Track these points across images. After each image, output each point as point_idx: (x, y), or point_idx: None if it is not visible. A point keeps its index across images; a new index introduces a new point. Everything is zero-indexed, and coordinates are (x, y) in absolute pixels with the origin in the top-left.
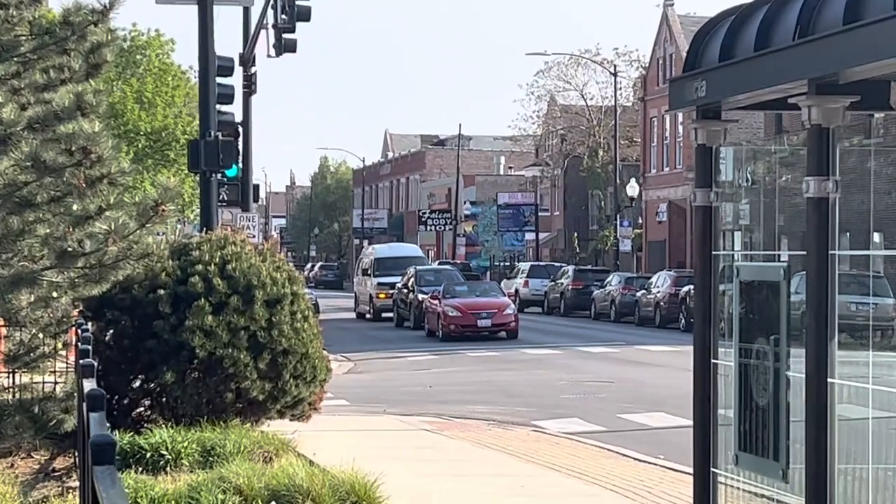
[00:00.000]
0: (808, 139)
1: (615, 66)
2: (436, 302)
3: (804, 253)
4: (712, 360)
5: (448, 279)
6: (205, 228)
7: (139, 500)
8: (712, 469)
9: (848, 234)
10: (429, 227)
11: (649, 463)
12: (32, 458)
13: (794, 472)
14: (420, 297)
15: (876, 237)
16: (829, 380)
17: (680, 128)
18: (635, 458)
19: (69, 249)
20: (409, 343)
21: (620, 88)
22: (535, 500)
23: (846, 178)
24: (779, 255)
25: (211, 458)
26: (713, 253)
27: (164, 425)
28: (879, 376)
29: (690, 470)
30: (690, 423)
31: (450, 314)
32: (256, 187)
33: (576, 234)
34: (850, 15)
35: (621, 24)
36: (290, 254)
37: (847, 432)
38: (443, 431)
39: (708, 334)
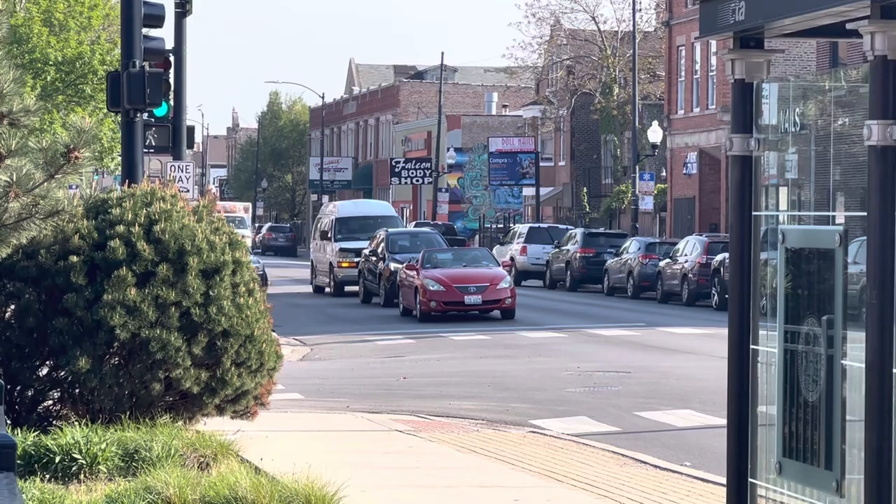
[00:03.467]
0: (871, 74)
1: None
2: (413, 273)
3: (865, 214)
4: (751, 346)
5: (427, 245)
6: (127, 181)
7: None
8: (750, 480)
9: None
10: (403, 180)
11: (673, 472)
12: None
13: (850, 483)
14: (392, 266)
15: None
16: (894, 370)
17: (713, 59)
18: (656, 466)
19: None
20: (378, 324)
21: (640, 10)
22: None
23: None
24: (833, 217)
25: (134, 464)
26: (753, 214)
27: (77, 423)
28: None
29: (723, 480)
30: (724, 422)
31: (430, 288)
32: (191, 130)
33: (585, 190)
34: None
35: None
36: None
37: None
38: (419, 433)
39: (746, 314)
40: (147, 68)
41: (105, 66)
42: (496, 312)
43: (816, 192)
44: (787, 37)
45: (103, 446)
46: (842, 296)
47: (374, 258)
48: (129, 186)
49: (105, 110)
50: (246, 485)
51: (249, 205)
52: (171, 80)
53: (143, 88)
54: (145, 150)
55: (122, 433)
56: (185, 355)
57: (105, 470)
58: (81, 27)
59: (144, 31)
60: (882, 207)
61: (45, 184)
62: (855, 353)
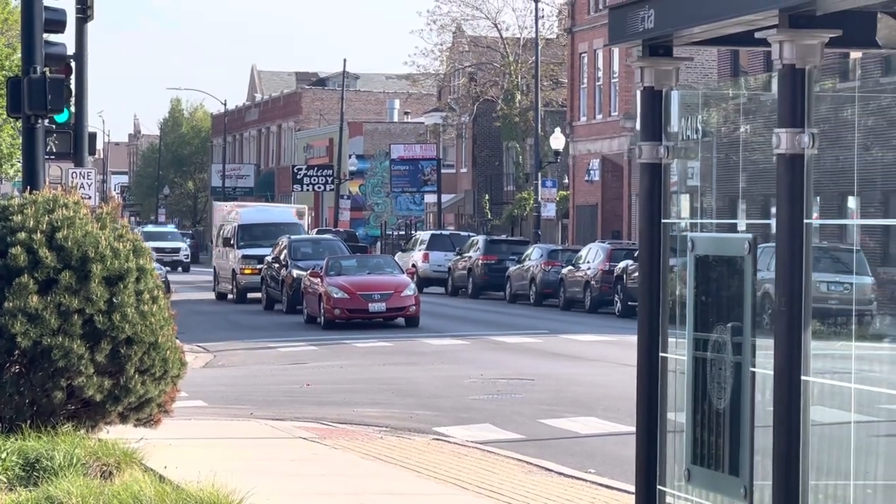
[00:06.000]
0: (780, 82)
1: None
2: (317, 280)
3: (768, 222)
4: (660, 354)
5: (331, 252)
6: (28, 187)
7: None
8: (659, 487)
9: (819, 198)
10: (305, 187)
11: (578, 479)
12: None
13: (757, 489)
14: (296, 273)
15: (851, 202)
16: (803, 377)
17: (616, 66)
18: (561, 473)
19: None
20: (282, 331)
21: (543, 17)
22: None
23: (817, 131)
24: (740, 224)
25: (36, 473)
26: (663, 221)
27: None
28: (857, 372)
29: (630, 487)
30: (628, 429)
31: (334, 296)
32: (93, 136)
33: (487, 197)
34: None
35: None
36: (134, 219)
37: (824, 441)
38: (324, 440)
39: (656, 322)
40: (48, 74)
41: (4, 72)
42: (400, 320)
43: (719, 200)
44: (696, 45)
45: (3, 455)
46: (751, 303)
47: (276, 265)
48: (30, 193)
49: (4, 116)
50: (150, 494)
51: (305, 208)
52: (73, 86)
53: (45, 94)
54: (47, 157)
55: (23, 442)
56: (87, 363)
57: (5, 480)
58: None
59: (46, 36)
60: (791, 216)
61: None
62: (763, 361)
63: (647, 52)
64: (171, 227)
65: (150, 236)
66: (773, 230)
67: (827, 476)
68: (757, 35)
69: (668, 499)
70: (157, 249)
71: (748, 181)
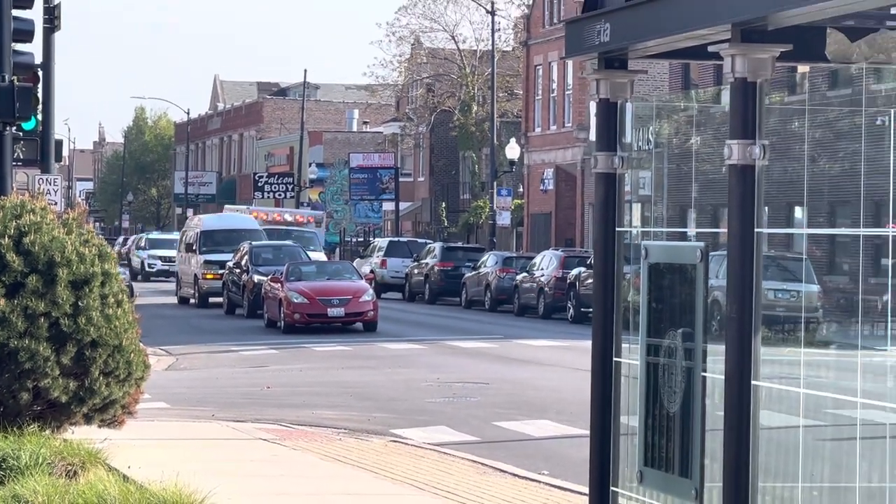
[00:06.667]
0: (732, 95)
1: (493, 3)
2: (277, 286)
3: (719, 230)
4: (614, 359)
5: (291, 258)
6: None
7: None
8: (612, 488)
9: (767, 208)
10: (266, 194)
11: (532, 480)
12: None
13: (708, 491)
14: (256, 278)
15: (798, 212)
16: (754, 382)
17: (570, 78)
18: (515, 475)
19: None
20: (242, 335)
21: (499, 30)
22: None
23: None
24: (685, 233)
25: (2, 472)
26: (617, 229)
27: None
28: (804, 377)
29: (582, 489)
30: (580, 432)
31: (294, 301)
32: (59, 144)
33: (444, 205)
34: None
35: None
36: (99, 224)
37: (773, 444)
38: (283, 441)
39: (609, 327)
40: (16, 82)
41: None
42: (359, 324)
43: (670, 209)
44: (651, 58)
45: None
46: (702, 310)
47: (238, 270)
48: None
49: None
50: (114, 493)
51: (323, 214)
52: (40, 95)
53: (13, 102)
54: (14, 164)
55: None
56: (53, 365)
57: None
58: None
59: (14, 45)
60: (742, 225)
61: None
62: (714, 366)
63: (603, 64)
64: (175, 235)
65: (153, 243)
66: (724, 239)
67: (775, 478)
68: (710, 49)
69: (621, 500)
70: (163, 258)
71: (699, 191)
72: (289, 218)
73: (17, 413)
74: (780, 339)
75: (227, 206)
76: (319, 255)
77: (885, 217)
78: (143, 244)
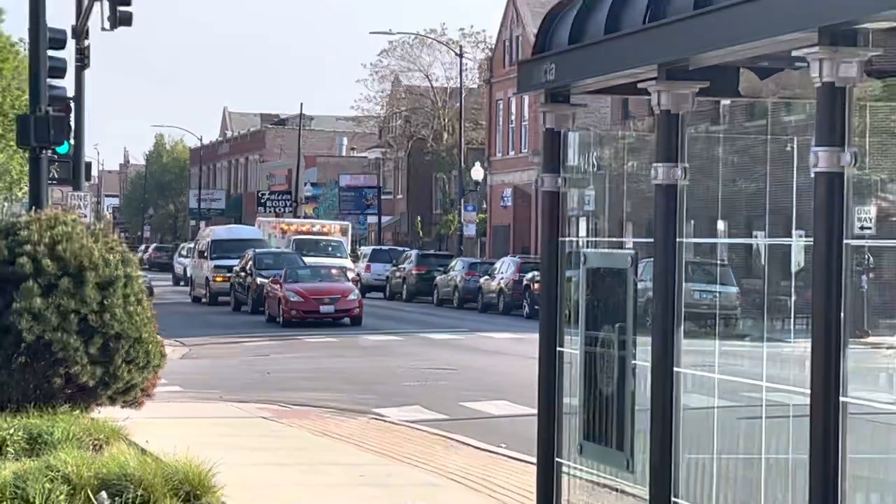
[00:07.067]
0: (657, 125)
1: (461, 48)
2: (277, 286)
3: (649, 240)
4: (558, 348)
5: (289, 263)
6: (34, 207)
7: None
8: (556, 459)
9: (693, 221)
10: (268, 209)
11: (491, 452)
12: None
13: (638, 461)
14: (259, 280)
15: (720, 225)
16: (676, 369)
17: (526, 111)
18: (476, 447)
19: None
20: (247, 328)
21: (466, 70)
22: (374, 489)
23: (692, 166)
24: (622, 242)
25: (38, 446)
26: (560, 239)
27: None
28: (723, 365)
29: (533, 459)
30: (533, 411)
31: (291, 299)
32: (89, 165)
33: (419, 218)
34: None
35: (468, 4)
36: (123, 234)
37: (691, 422)
38: (281, 419)
39: (554, 322)
40: (51, 112)
41: (15, 111)
42: (346, 320)
43: (610, 222)
44: (590, 94)
45: (11, 431)
46: (632, 307)
47: (243, 273)
48: (35, 212)
49: (15, 147)
50: (134, 464)
51: (349, 225)
52: (72, 123)
53: (48, 130)
54: (50, 182)
55: (28, 420)
56: (82, 354)
57: (12, 451)
58: None
59: (49, 80)
60: (666, 235)
61: None
62: (642, 355)
63: (549, 99)
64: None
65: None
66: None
67: (695, 451)
68: (639, 85)
69: (564, 468)
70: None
71: (633, 207)
72: (316, 228)
73: (51, 395)
74: (704, 333)
75: (259, 219)
76: (346, 262)
77: (791, 228)
78: (184, 252)
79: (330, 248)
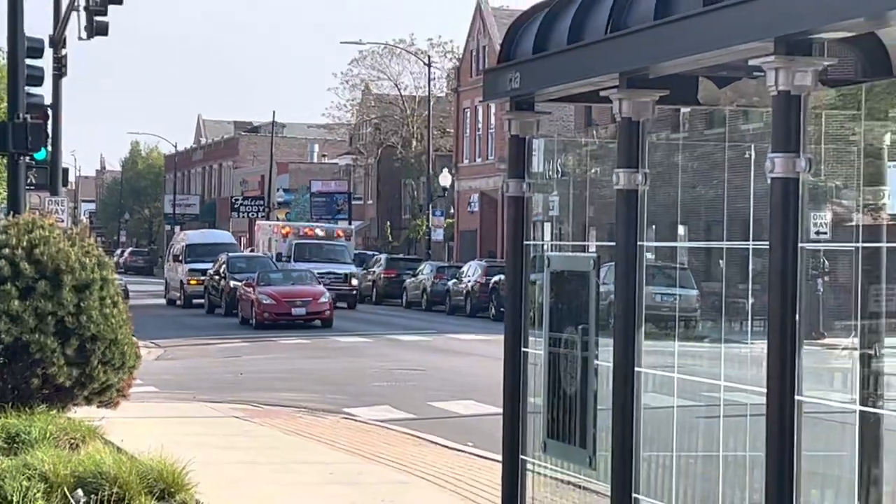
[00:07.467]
0: (619, 132)
1: (429, 57)
2: (250, 290)
3: (612, 244)
4: (522, 349)
5: (262, 266)
6: (12, 212)
7: None
8: (521, 456)
9: (654, 226)
10: (241, 214)
11: (458, 450)
12: None
13: (600, 459)
14: (232, 283)
15: (681, 230)
16: (637, 369)
17: (492, 119)
18: (444, 446)
19: None
20: (220, 330)
21: (434, 79)
22: (343, 487)
23: (653, 172)
24: (587, 246)
25: (16, 445)
26: (525, 243)
27: None
28: (683, 366)
29: (499, 457)
30: (499, 410)
31: (264, 302)
32: (66, 171)
33: (388, 223)
34: (661, 10)
35: (436, 15)
36: (99, 239)
37: (651, 420)
38: (253, 419)
39: (519, 323)
40: (29, 120)
41: None
42: (318, 322)
43: (574, 226)
44: (553, 101)
45: None
46: (595, 309)
47: (217, 277)
48: (13, 217)
49: None
50: (109, 462)
51: (353, 229)
52: (50, 130)
53: (26, 137)
54: (27, 187)
55: (6, 419)
56: (59, 356)
57: None
58: None
59: (27, 88)
60: (626, 239)
61: None
62: (604, 356)
63: (514, 107)
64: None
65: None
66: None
67: (656, 448)
68: (601, 94)
69: (529, 466)
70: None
71: (596, 212)
72: (320, 233)
73: (28, 396)
74: (664, 335)
75: (258, 223)
76: (350, 268)
77: (749, 232)
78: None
79: (333, 254)
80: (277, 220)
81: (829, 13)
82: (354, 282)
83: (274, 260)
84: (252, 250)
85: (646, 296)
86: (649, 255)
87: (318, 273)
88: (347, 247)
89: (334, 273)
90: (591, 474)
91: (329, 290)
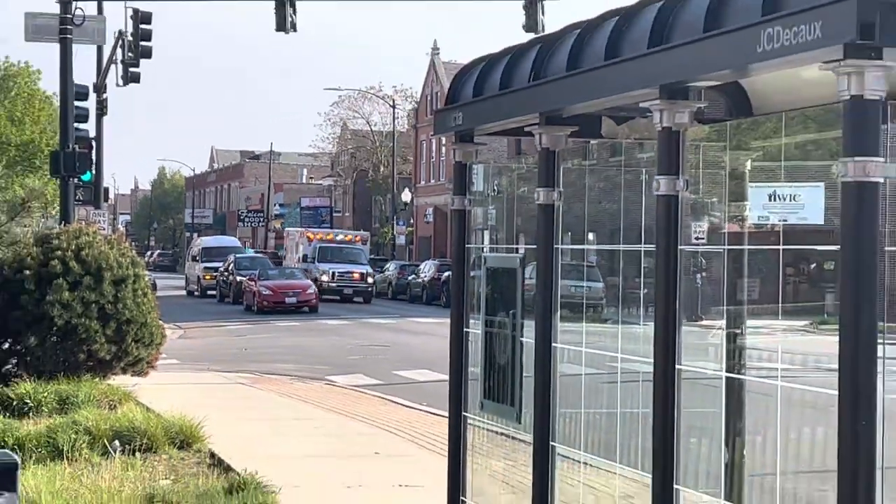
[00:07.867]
0: (539, 159)
1: (394, 100)
2: (252, 283)
3: (534, 247)
4: (465, 329)
5: (262, 265)
6: (64, 222)
7: (6, 439)
8: (464, 413)
9: (570, 233)
10: (246, 224)
11: (416, 409)
12: None
13: (525, 414)
14: (238, 278)
15: (590, 235)
16: (554, 344)
17: (444, 149)
18: (405, 405)
19: None
20: (229, 315)
21: (398, 118)
22: (328, 438)
23: (569, 191)
24: (517, 248)
25: (66, 406)
26: (467, 246)
27: (27, 380)
28: (590, 342)
29: (447, 414)
30: (447, 377)
31: (263, 293)
32: (106, 190)
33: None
34: (571, 63)
35: (399, 67)
36: (133, 243)
37: (565, 385)
38: (255, 385)
39: (462, 309)
40: (77, 149)
41: (49, 148)
42: (306, 308)
43: (506, 233)
44: (489, 135)
45: (45, 395)
46: (521, 298)
47: (226, 273)
48: (64, 226)
49: (49, 177)
50: (140, 419)
51: (368, 235)
52: (93, 157)
53: (75, 163)
54: (76, 203)
55: (58, 386)
56: (100, 335)
57: (46, 410)
58: (34, 122)
59: (76, 125)
60: (546, 242)
61: (8, 224)
62: (529, 334)
63: (458, 139)
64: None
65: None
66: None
67: (569, 407)
68: (526, 129)
69: (470, 421)
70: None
71: (523, 221)
72: (339, 238)
73: (76, 367)
74: (576, 318)
75: (287, 230)
76: (366, 268)
77: (641, 238)
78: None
79: (351, 256)
80: (274, 227)
81: (699, 67)
82: (370, 280)
83: (300, 260)
84: (255, 251)
85: (561, 287)
86: (565, 256)
87: (339, 272)
88: (363, 250)
89: (352, 272)
90: (518, 427)
91: (348, 287)
